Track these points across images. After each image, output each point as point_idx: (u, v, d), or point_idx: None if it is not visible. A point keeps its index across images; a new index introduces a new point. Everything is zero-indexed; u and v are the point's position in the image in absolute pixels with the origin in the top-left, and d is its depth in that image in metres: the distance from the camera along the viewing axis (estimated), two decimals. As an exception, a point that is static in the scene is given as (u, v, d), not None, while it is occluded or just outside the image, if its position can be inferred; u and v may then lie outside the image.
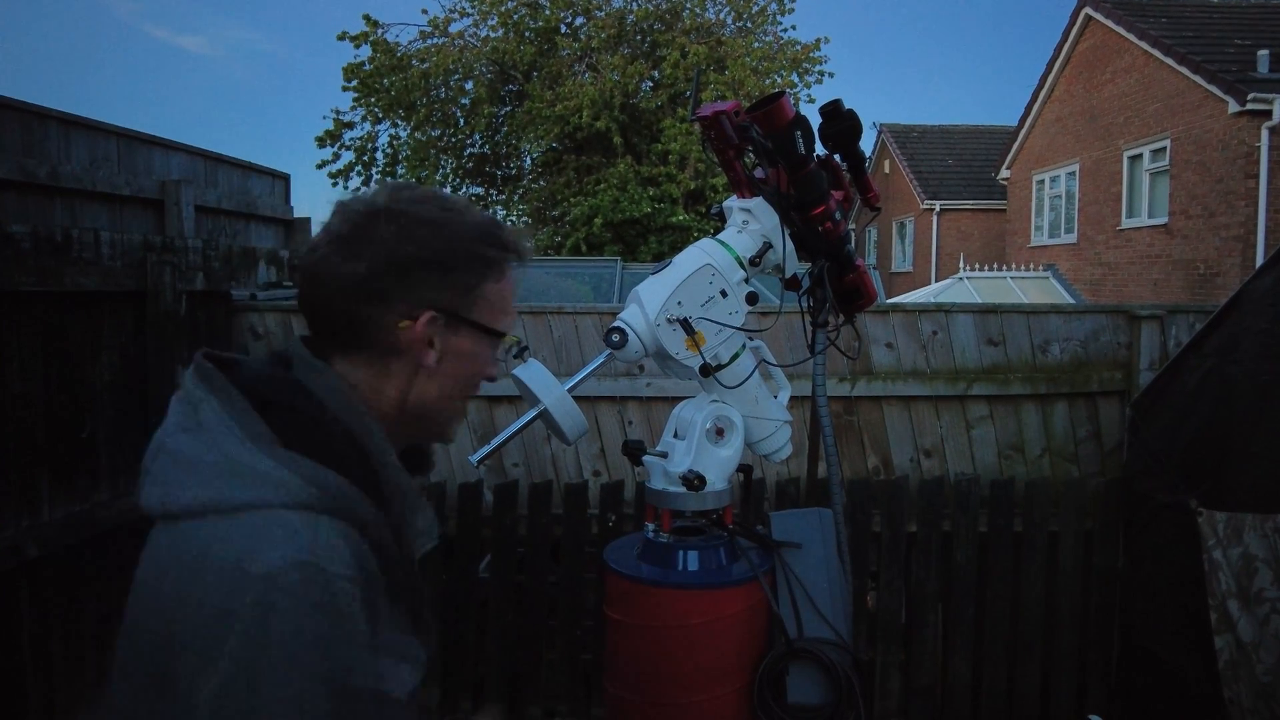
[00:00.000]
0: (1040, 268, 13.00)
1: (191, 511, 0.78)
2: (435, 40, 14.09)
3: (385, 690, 0.81)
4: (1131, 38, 11.72)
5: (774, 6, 14.64)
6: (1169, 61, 10.93)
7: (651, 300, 1.59)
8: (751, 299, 1.65)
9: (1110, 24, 12.27)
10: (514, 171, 16.17)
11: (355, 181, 14.05)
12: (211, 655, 0.72)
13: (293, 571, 0.74)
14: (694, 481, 1.63)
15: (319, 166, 14.03)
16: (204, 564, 0.75)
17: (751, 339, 1.75)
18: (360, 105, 14.18)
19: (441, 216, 0.94)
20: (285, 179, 5.04)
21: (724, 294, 1.62)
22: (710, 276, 1.61)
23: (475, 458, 1.46)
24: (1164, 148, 11.33)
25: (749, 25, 14.71)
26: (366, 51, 13.74)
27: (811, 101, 14.59)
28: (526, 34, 14.01)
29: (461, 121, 14.63)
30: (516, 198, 16.02)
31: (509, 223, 16.68)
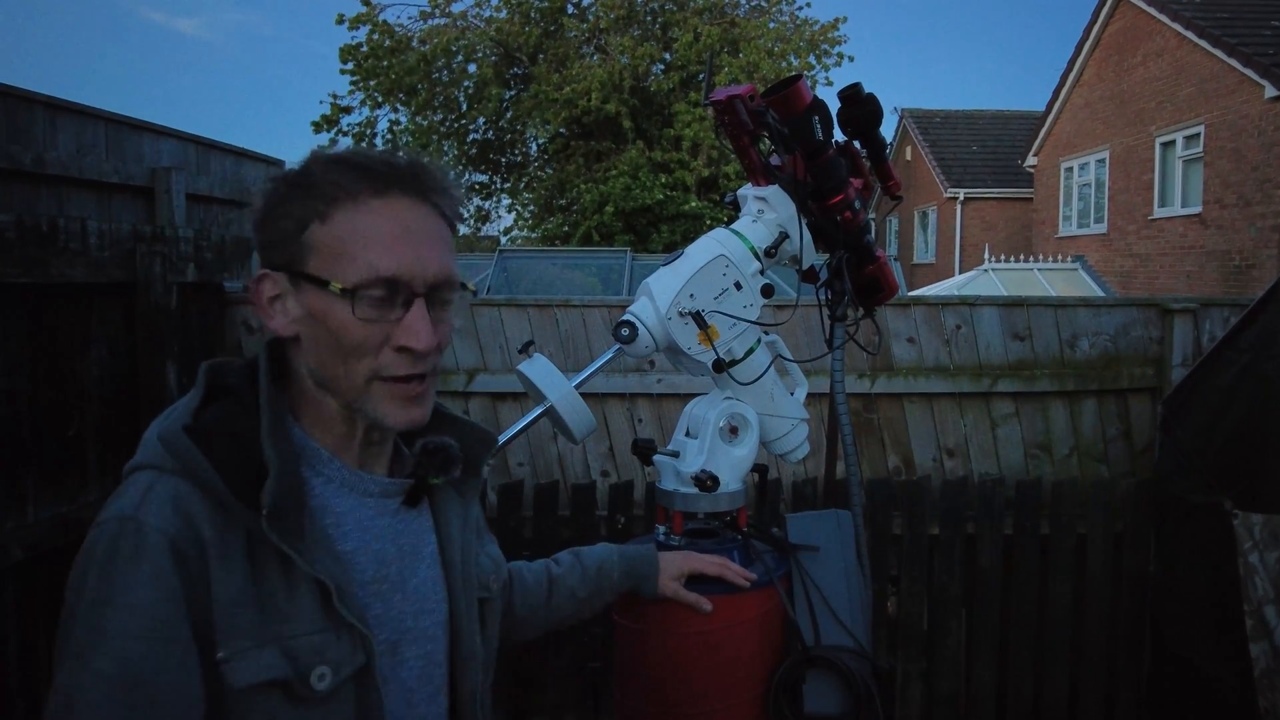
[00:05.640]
0: (1068, 259, 12.79)
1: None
2: (436, 21, 13.97)
3: (221, 663, 0.81)
4: (1164, 19, 11.45)
5: (789, -16, 14.44)
6: (1203, 44, 10.65)
7: (662, 293, 1.53)
8: (767, 291, 1.59)
9: (1142, 5, 11.98)
10: (519, 159, 16.06)
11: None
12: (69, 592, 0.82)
13: (113, 523, 0.81)
14: (707, 482, 1.57)
15: (317, 156, 14.02)
16: None
17: (767, 333, 1.69)
18: (359, 89, 14.10)
19: (272, 170, 0.92)
20: (280, 166, 4.99)
21: (738, 286, 1.55)
22: (724, 268, 1.55)
23: None
24: (1198, 134, 11.05)
25: (764, 4, 14.48)
26: (365, 33, 13.65)
27: (830, 85, 14.43)
28: (531, 14, 13.85)
29: (464, 106, 14.51)
30: (522, 186, 15.92)
31: (514, 211, 16.59)
